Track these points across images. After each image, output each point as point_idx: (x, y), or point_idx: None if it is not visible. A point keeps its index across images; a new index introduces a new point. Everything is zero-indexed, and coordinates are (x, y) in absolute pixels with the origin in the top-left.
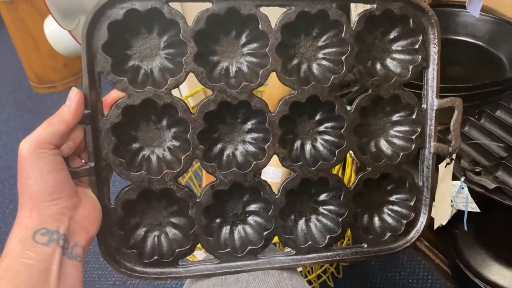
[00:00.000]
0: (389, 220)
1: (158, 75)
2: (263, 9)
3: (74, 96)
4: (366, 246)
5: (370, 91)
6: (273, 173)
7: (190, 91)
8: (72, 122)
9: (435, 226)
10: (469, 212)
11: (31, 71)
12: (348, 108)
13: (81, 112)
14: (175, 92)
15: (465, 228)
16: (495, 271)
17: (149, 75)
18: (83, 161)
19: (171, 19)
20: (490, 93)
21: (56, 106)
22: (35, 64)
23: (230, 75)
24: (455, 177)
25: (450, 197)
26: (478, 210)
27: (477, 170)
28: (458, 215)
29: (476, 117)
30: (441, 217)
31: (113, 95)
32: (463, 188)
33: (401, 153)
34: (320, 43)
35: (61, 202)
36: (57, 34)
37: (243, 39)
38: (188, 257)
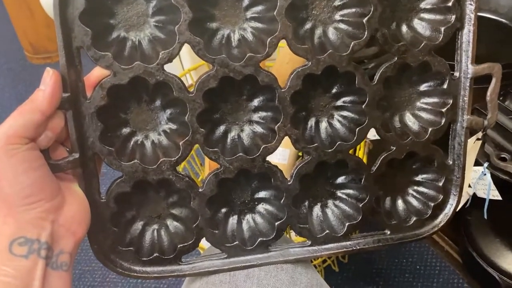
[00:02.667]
0: (415, 202)
1: (147, 47)
2: None
3: (49, 78)
4: (389, 232)
5: (396, 58)
6: (281, 154)
7: (193, 64)
8: (48, 110)
9: None
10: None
11: (26, 41)
12: None
13: (59, 96)
14: (176, 66)
15: (485, 217)
16: (510, 261)
17: (137, 48)
18: (67, 149)
19: None
20: None
21: None
22: (30, 33)
23: (232, 45)
24: (477, 163)
25: (470, 178)
26: (500, 198)
27: (502, 156)
28: (472, 201)
29: (501, 98)
30: None
31: (96, 74)
32: (485, 175)
33: (430, 129)
34: (337, 2)
35: (41, 204)
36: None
37: (246, 0)
38: None
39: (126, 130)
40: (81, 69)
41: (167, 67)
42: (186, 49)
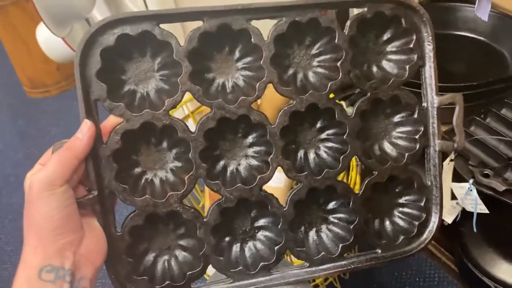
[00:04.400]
0: (401, 223)
1: (154, 97)
2: (254, 23)
3: (87, 129)
4: (380, 251)
5: (369, 94)
6: (277, 178)
7: (188, 97)
8: (83, 156)
9: None
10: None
11: (24, 76)
12: (350, 110)
13: (91, 145)
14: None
15: (475, 230)
16: (504, 270)
17: (145, 98)
18: (86, 188)
19: (163, 41)
20: (495, 91)
21: (51, 111)
22: (27, 68)
23: (227, 91)
24: (463, 179)
25: (450, 194)
26: (487, 211)
27: (485, 172)
28: (464, 213)
29: (482, 116)
30: (443, 214)
31: (111, 121)
32: (471, 190)
33: (406, 154)
34: (314, 51)
35: (65, 236)
36: (50, 41)
37: (237, 54)
38: None
39: (137, 170)
40: (98, 117)
41: None
42: None
